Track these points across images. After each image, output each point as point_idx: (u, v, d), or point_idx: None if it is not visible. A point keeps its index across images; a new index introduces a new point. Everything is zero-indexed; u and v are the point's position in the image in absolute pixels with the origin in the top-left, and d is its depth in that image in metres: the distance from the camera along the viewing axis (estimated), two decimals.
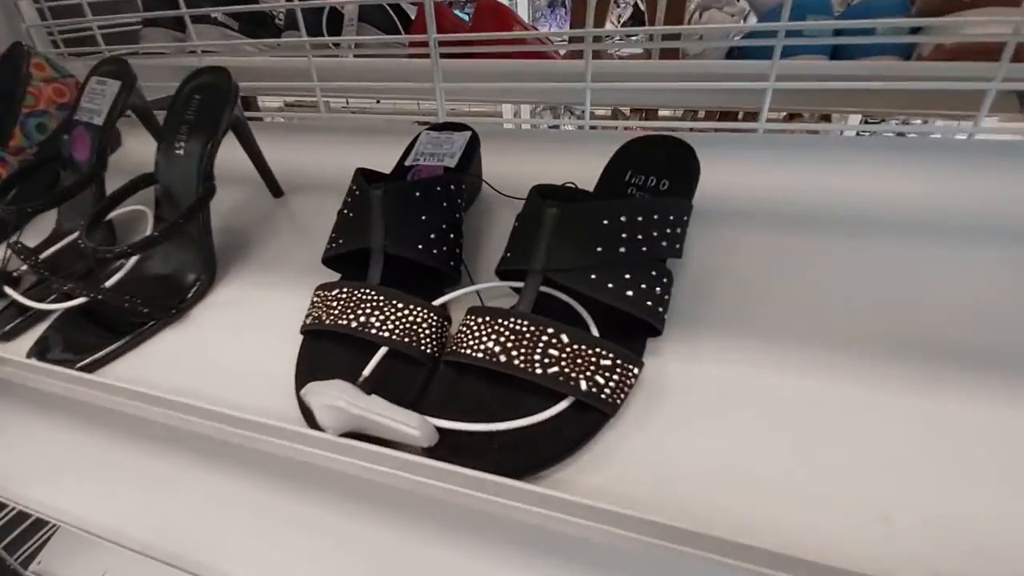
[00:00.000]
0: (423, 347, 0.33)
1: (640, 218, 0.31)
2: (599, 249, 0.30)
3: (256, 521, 0.50)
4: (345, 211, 0.39)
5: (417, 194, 0.36)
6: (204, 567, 0.46)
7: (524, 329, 0.30)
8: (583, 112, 0.60)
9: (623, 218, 0.31)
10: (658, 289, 0.31)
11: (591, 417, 0.29)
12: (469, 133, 0.46)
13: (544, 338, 0.30)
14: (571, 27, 1.03)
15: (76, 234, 0.48)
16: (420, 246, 0.36)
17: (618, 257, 0.30)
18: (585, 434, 0.29)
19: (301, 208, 0.55)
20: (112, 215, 0.49)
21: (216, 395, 0.38)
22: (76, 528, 0.58)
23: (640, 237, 0.31)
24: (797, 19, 0.63)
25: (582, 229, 0.31)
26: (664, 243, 0.31)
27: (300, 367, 0.36)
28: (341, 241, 0.38)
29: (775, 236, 0.41)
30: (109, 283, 0.42)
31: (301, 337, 0.38)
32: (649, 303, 0.30)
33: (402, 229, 0.35)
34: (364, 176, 0.39)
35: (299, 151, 0.66)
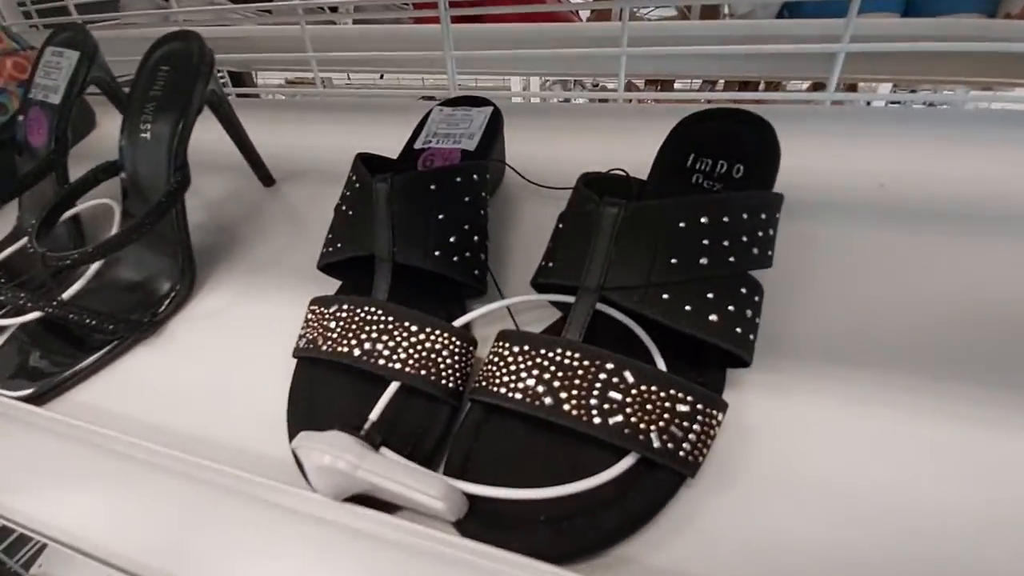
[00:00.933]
0: (444, 380, 0.27)
1: (726, 219, 0.24)
2: (674, 261, 0.23)
3: (258, 539, 0.44)
4: (344, 207, 0.32)
5: (432, 187, 0.29)
6: None
7: (576, 364, 0.23)
8: (595, 84, 0.52)
9: (704, 219, 0.23)
10: (748, 311, 0.24)
11: (663, 478, 0.23)
12: (490, 109, 0.39)
13: (602, 376, 0.23)
14: None
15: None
16: (436, 253, 0.29)
17: (699, 271, 0.23)
18: (656, 502, 0.23)
19: (296, 199, 0.47)
20: (78, 209, 0.43)
21: (197, 429, 0.31)
22: (62, 544, 0.53)
23: (726, 244, 0.24)
24: None
25: (651, 235, 0.24)
26: (755, 250, 0.24)
27: (293, 403, 0.29)
28: (339, 245, 0.31)
29: (870, 231, 0.34)
30: (68, 294, 0.35)
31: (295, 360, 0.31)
32: (738, 330, 0.23)
33: (414, 232, 0.28)
34: (366, 163, 0.32)
35: (292, 132, 0.58)
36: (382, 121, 0.58)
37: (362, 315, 0.28)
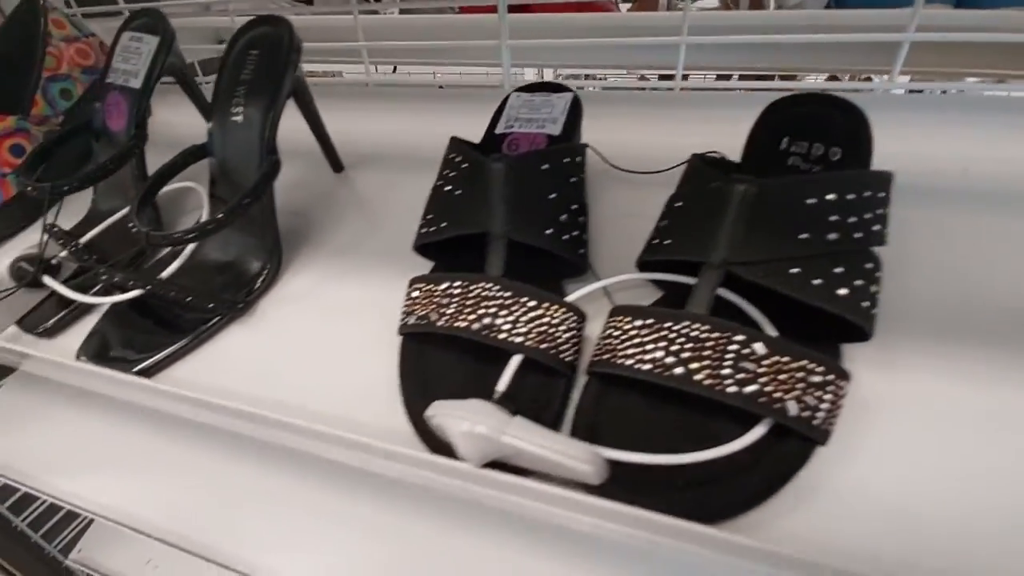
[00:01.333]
0: (562, 354, 0.28)
1: (851, 196, 0.24)
2: (803, 236, 0.24)
3: (316, 521, 0.46)
4: (447, 187, 0.32)
5: (544, 167, 0.30)
6: (243, 562, 0.42)
7: (704, 336, 0.24)
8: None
9: (831, 196, 0.24)
10: (873, 287, 0.25)
11: (793, 446, 0.24)
12: (571, 95, 0.40)
13: (733, 347, 0.24)
14: None
15: (119, 215, 0.42)
16: (549, 231, 0.29)
17: (827, 246, 0.24)
18: (791, 469, 0.24)
19: (366, 185, 0.48)
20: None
21: (301, 405, 0.32)
22: (113, 521, 0.55)
23: (853, 220, 0.24)
24: None
25: (781, 211, 0.25)
26: (876, 227, 0.25)
27: (405, 377, 0.30)
28: (445, 224, 0.32)
29: (957, 214, 0.35)
30: (165, 273, 0.36)
31: (391, 337, 0.32)
32: (864, 304, 0.24)
33: (528, 210, 0.29)
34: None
35: (349, 119, 0.59)
36: (432, 109, 0.59)
37: (478, 291, 0.28)
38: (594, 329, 0.29)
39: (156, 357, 0.35)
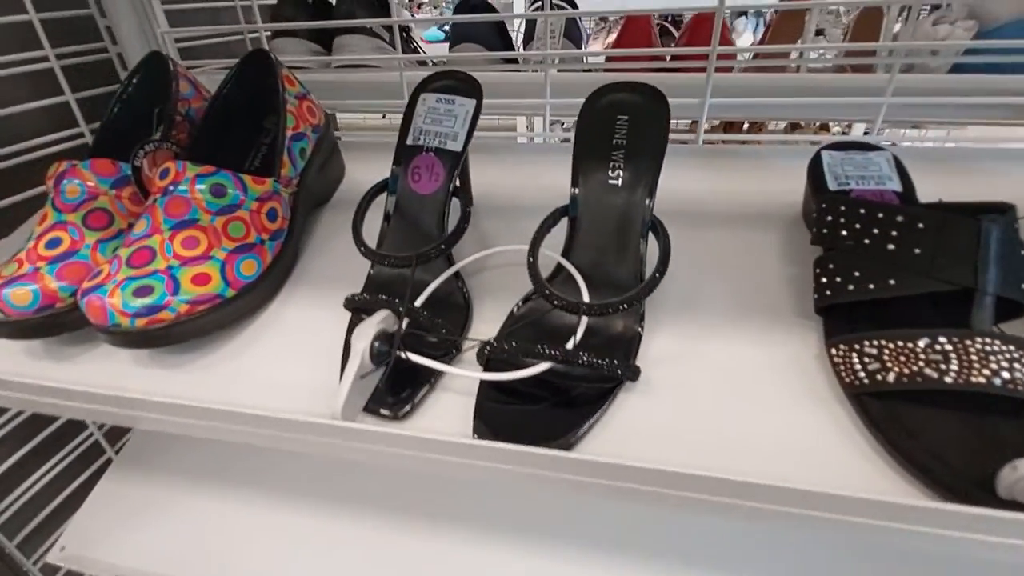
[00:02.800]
0: None
1: None
2: None
3: None
4: (889, 245, 0.33)
5: (1017, 225, 0.32)
6: None
7: None
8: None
9: None
10: None
11: None
12: (889, 152, 0.42)
13: None
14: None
15: (439, 281, 0.39)
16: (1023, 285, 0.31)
17: None
18: None
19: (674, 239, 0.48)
20: (464, 263, 0.41)
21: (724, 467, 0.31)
22: None
23: None
24: None
25: None
26: None
27: (891, 433, 0.30)
28: (894, 281, 0.33)
29: None
30: (571, 344, 0.34)
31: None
32: None
33: (1018, 267, 0.31)
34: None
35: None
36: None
37: (978, 346, 0.30)
38: None
39: (578, 432, 0.33)
